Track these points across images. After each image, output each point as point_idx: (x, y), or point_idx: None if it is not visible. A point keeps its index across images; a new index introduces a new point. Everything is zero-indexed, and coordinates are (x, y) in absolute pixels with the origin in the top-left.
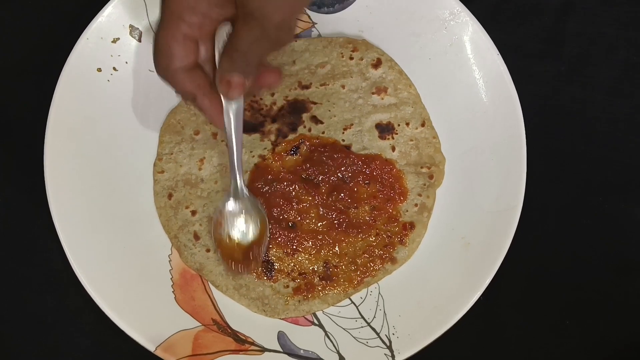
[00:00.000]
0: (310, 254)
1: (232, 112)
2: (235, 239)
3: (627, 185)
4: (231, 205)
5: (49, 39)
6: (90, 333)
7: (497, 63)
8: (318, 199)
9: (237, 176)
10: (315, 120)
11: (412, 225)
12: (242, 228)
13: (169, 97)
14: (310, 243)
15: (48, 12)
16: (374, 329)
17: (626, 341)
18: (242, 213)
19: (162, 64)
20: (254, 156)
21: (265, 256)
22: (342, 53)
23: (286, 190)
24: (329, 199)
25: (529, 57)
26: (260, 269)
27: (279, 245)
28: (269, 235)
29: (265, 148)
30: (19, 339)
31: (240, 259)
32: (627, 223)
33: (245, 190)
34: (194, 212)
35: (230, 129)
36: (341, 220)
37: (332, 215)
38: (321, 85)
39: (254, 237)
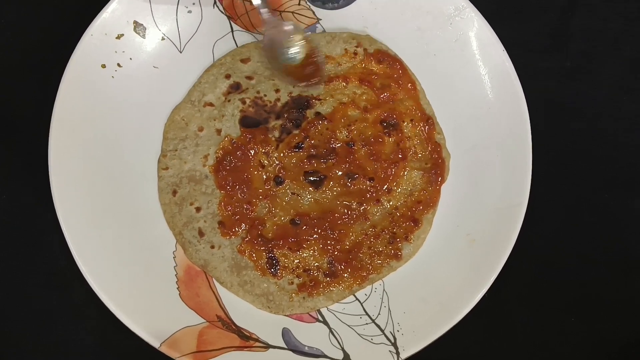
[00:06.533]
0: (315, 250)
1: None
2: (292, 62)
3: (632, 182)
4: (268, 39)
5: (51, 37)
6: (94, 329)
7: (502, 59)
8: (321, 193)
9: (265, 9)
10: (319, 116)
11: (416, 222)
12: (292, 50)
13: (173, 94)
14: (314, 239)
15: (51, 9)
16: (378, 326)
17: (631, 338)
18: (284, 39)
19: None
20: (257, 152)
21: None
22: (346, 48)
23: (289, 186)
24: (332, 194)
25: (534, 53)
26: (265, 264)
27: (284, 241)
28: (314, 43)
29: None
30: (22, 335)
31: (305, 74)
32: (632, 220)
33: (274, 18)
34: (198, 209)
35: None
36: (345, 212)
37: (337, 207)
38: (325, 81)
39: (306, 50)
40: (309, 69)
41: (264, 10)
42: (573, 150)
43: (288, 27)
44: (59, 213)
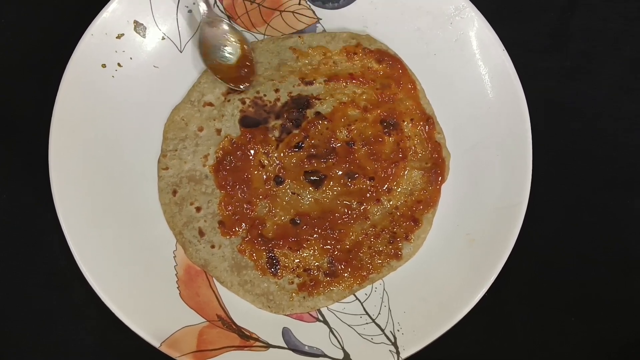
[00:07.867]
0: (315, 250)
1: None
2: (225, 61)
3: (632, 182)
4: (209, 32)
5: (51, 37)
6: (94, 329)
7: (502, 59)
8: (321, 193)
9: (203, 2)
10: (319, 116)
11: (417, 222)
12: (227, 50)
13: (173, 94)
14: (314, 239)
15: (51, 9)
16: (378, 325)
17: (631, 338)
18: (221, 37)
19: None
20: (257, 152)
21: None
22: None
23: (289, 186)
24: (332, 193)
25: (534, 53)
26: (265, 264)
27: (285, 241)
28: (249, 46)
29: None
30: (22, 335)
31: (237, 75)
32: (632, 220)
33: (213, 13)
34: (198, 209)
35: None
36: (345, 212)
37: (337, 207)
38: (325, 81)
39: (241, 52)
40: (242, 71)
41: (202, 4)
42: (573, 150)
43: (225, 25)
44: (59, 213)
